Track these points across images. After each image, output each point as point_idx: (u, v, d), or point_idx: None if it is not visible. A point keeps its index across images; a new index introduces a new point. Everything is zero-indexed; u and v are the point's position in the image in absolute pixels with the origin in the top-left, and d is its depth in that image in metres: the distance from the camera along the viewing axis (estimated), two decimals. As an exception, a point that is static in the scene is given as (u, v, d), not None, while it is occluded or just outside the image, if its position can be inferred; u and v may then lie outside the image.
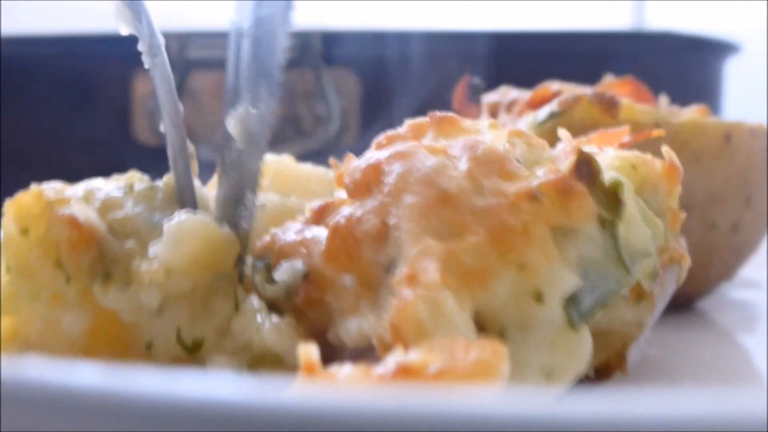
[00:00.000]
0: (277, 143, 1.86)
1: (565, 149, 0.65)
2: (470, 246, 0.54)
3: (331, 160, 0.81)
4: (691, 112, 1.03)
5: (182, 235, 0.66)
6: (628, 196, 0.60)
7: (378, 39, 1.91)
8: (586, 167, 0.59)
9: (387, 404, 0.32)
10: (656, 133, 0.74)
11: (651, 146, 0.69)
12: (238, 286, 0.67)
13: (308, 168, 0.84)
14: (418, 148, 0.60)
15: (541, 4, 2.56)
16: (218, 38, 1.91)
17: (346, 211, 0.60)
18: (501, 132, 0.64)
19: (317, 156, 0.92)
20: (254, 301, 0.64)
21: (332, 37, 1.89)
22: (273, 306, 0.63)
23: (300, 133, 1.87)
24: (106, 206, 0.70)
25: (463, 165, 0.58)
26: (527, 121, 0.99)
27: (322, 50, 1.88)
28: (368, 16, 2.45)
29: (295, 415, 0.33)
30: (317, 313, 0.60)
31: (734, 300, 1.11)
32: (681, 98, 1.17)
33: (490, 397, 0.41)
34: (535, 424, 0.32)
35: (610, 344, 0.65)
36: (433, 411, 0.32)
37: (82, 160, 1.71)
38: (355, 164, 0.63)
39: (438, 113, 0.66)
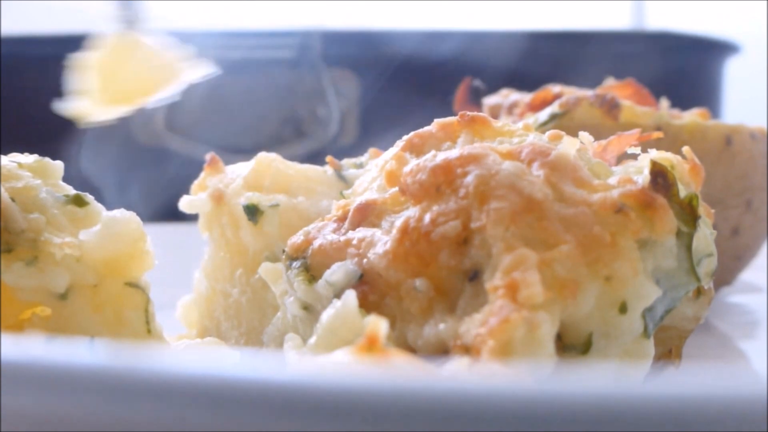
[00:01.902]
0: (277, 143, 1.86)
1: (602, 153, 0.65)
2: (563, 256, 0.53)
3: (329, 158, 0.81)
4: (692, 115, 1.03)
5: (118, 232, 0.66)
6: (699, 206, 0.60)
7: (378, 39, 1.91)
8: (662, 179, 0.59)
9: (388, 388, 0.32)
10: (656, 135, 0.74)
11: (649, 148, 0.69)
12: (150, 302, 0.67)
13: (308, 167, 0.84)
14: (489, 150, 0.59)
15: (541, 4, 2.56)
16: (218, 38, 1.91)
17: (412, 212, 0.59)
18: (572, 139, 0.63)
19: (317, 156, 0.92)
20: (289, 303, 0.64)
21: (332, 37, 1.89)
22: (307, 307, 0.63)
23: (300, 133, 1.87)
24: (4, 176, 0.66)
25: (537, 170, 0.58)
26: (528, 123, 0.99)
27: (322, 50, 1.88)
28: (368, 16, 2.45)
29: (296, 391, 0.33)
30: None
31: (734, 304, 1.11)
32: (681, 98, 1.16)
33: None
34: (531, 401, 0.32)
35: (668, 339, 0.65)
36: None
37: (82, 160, 1.71)
38: (416, 164, 0.61)
39: (468, 113, 0.66)
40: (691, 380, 0.33)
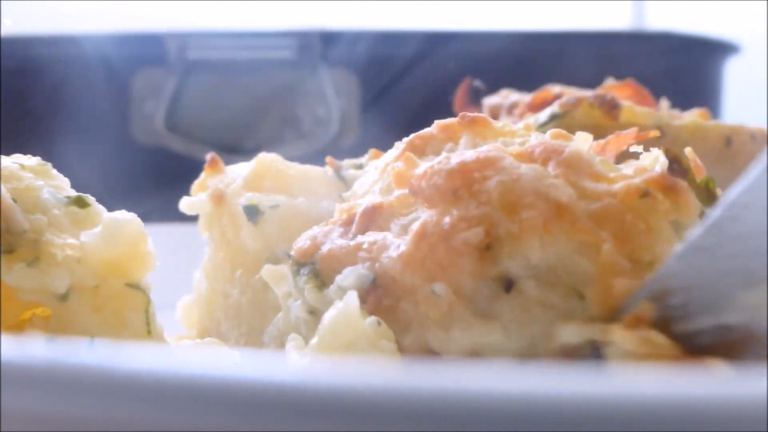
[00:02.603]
0: (277, 144, 1.86)
1: (601, 153, 0.65)
2: (611, 253, 0.54)
3: (329, 159, 0.81)
4: (692, 116, 1.03)
5: (119, 233, 0.66)
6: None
7: (378, 39, 1.91)
8: (677, 165, 0.59)
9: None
10: (653, 133, 0.75)
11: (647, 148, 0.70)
12: (150, 303, 0.68)
13: (308, 168, 0.84)
14: (503, 152, 0.59)
15: (541, 4, 2.56)
16: (218, 38, 1.91)
17: (428, 216, 0.58)
18: (585, 135, 0.63)
19: (317, 156, 0.92)
20: (295, 306, 0.64)
21: (332, 37, 1.89)
22: (313, 311, 0.63)
23: (300, 133, 1.87)
24: (5, 177, 0.67)
25: (553, 170, 0.58)
26: (529, 123, 0.99)
27: (322, 50, 1.87)
28: (368, 16, 2.45)
29: (296, 391, 0.33)
30: (387, 319, 0.59)
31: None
32: (681, 98, 1.16)
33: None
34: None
35: None
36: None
37: (82, 160, 1.71)
38: (429, 167, 0.61)
39: (468, 114, 0.66)
40: (692, 380, 0.33)
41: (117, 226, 0.66)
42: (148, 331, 0.67)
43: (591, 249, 0.54)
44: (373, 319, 0.56)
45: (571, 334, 0.53)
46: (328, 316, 0.56)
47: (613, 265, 0.54)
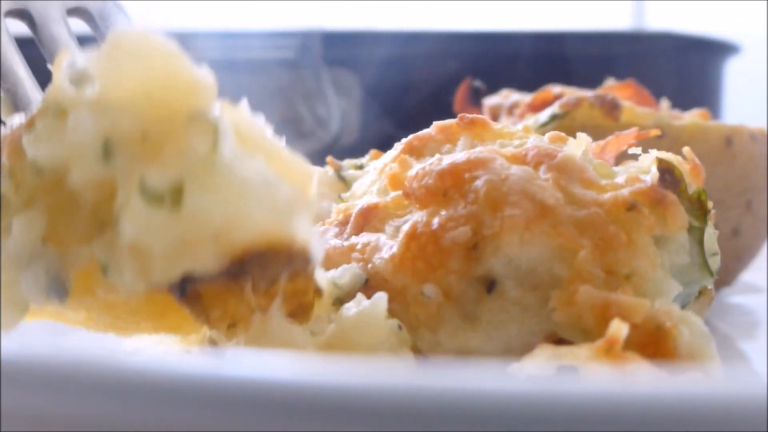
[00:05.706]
0: (276, 143, 1.86)
1: (600, 154, 0.65)
2: (586, 260, 0.54)
3: (329, 159, 0.81)
4: (692, 116, 1.03)
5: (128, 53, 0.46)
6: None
7: (378, 39, 1.91)
8: (669, 175, 0.59)
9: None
10: (654, 132, 0.75)
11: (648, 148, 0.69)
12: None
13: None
14: (495, 154, 0.59)
15: (541, 4, 2.56)
16: (218, 38, 1.91)
17: (418, 217, 0.58)
18: (583, 137, 0.63)
19: (318, 156, 0.92)
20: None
21: (332, 37, 1.89)
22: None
23: (300, 134, 1.87)
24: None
25: (544, 173, 0.58)
26: (529, 124, 0.99)
27: (322, 50, 1.87)
28: (368, 16, 2.45)
29: (296, 391, 0.33)
30: None
31: (734, 305, 1.11)
32: (681, 98, 1.16)
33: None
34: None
35: None
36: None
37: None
38: (421, 169, 0.61)
39: (467, 115, 0.66)
40: (692, 380, 0.33)
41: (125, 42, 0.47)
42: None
43: (569, 254, 0.55)
44: (394, 322, 0.56)
45: (541, 359, 0.53)
46: (352, 310, 0.56)
47: (584, 272, 0.54)
